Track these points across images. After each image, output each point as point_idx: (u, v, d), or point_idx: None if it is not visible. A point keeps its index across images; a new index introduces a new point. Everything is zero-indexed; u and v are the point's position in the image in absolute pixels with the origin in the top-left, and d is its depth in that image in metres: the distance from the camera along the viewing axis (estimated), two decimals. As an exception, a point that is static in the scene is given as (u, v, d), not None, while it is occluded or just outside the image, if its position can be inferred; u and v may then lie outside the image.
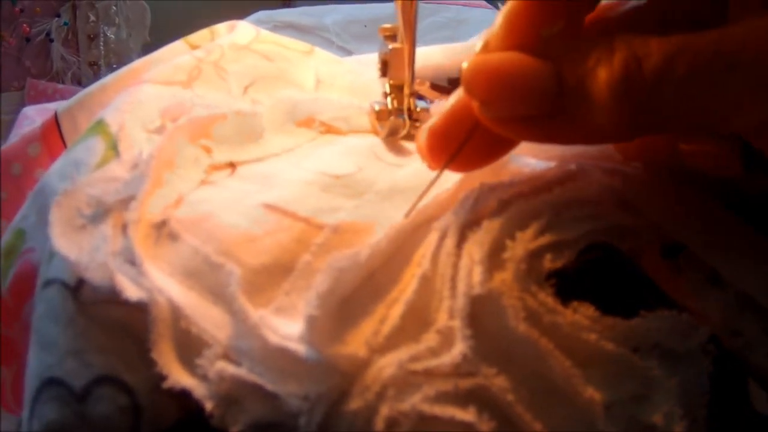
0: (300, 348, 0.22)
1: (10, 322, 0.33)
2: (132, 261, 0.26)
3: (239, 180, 0.31)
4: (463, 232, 0.25)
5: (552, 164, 0.28)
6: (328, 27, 1.03)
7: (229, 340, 0.24)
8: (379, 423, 0.21)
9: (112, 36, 1.43)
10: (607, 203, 0.27)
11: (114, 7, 1.43)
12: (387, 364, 0.22)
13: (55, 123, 0.43)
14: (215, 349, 0.24)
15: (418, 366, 0.22)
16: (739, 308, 0.25)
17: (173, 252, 0.27)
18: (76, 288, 0.26)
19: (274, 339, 0.23)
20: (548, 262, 0.24)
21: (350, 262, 0.23)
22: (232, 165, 0.32)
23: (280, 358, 0.23)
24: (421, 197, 0.27)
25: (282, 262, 0.26)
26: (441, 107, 0.37)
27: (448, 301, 0.23)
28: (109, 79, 0.43)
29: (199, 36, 0.44)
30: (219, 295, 0.25)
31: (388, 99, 0.37)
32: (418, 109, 0.37)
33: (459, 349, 0.22)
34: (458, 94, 0.26)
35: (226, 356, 0.24)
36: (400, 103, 0.37)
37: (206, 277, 0.26)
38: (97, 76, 1.38)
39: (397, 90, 0.37)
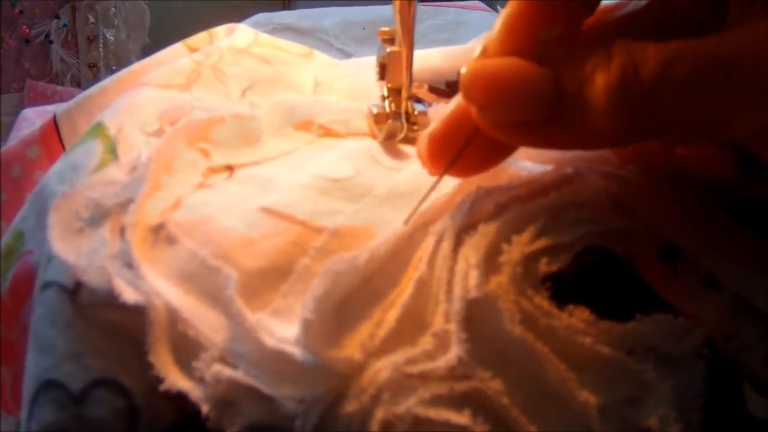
0: (296, 351, 0.22)
1: (9, 324, 0.33)
2: (130, 264, 0.26)
3: (237, 183, 0.31)
4: (459, 236, 0.25)
5: (548, 168, 0.28)
6: (327, 29, 1.03)
7: (225, 343, 0.24)
8: (375, 426, 0.21)
9: (112, 38, 1.44)
10: (604, 206, 0.27)
11: (113, 9, 1.43)
12: (383, 367, 0.22)
13: (53, 125, 0.43)
14: (212, 352, 0.24)
15: (414, 369, 0.22)
16: (734, 311, 0.25)
17: (171, 255, 0.27)
18: (74, 291, 0.27)
19: (270, 342, 0.23)
20: (544, 266, 0.24)
21: (348, 266, 0.23)
22: (230, 168, 0.32)
23: (276, 361, 0.23)
24: (420, 203, 0.27)
25: (279, 265, 0.26)
26: (439, 111, 0.37)
27: (444, 304, 0.23)
28: (108, 81, 0.43)
29: (198, 39, 0.44)
30: (216, 298, 0.25)
31: (386, 102, 0.37)
32: (416, 112, 0.37)
33: (455, 352, 0.22)
34: (458, 99, 0.26)
35: (222, 359, 0.24)
36: (398, 106, 0.37)
37: (203, 280, 0.26)
38: (96, 78, 1.38)
39: (395, 93, 0.37)
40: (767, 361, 0.25)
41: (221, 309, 0.25)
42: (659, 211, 0.27)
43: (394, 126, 0.36)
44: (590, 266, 0.25)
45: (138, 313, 0.25)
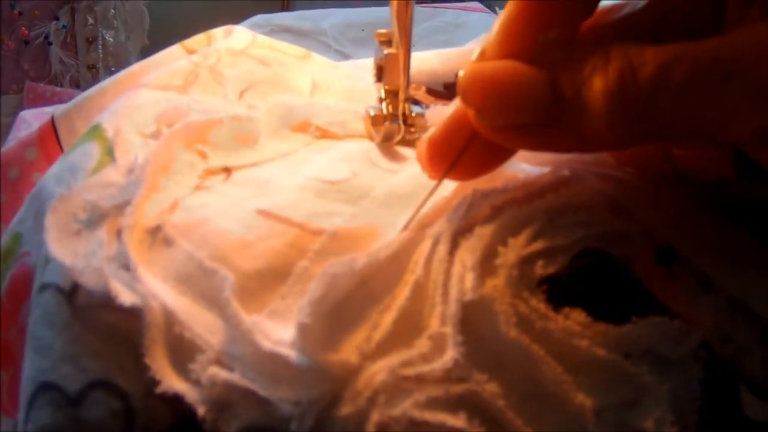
0: (292, 354, 0.22)
1: (7, 326, 0.33)
2: (127, 266, 0.26)
3: (234, 185, 0.31)
4: (455, 239, 0.25)
5: (545, 170, 0.29)
6: (325, 31, 1.03)
7: (221, 346, 0.24)
8: (370, 428, 0.21)
9: (111, 39, 1.44)
10: (600, 209, 0.27)
11: (112, 10, 1.44)
12: (378, 370, 0.22)
13: (51, 127, 0.43)
14: (208, 354, 0.24)
15: (410, 372, 0.22)
16: (730, 314, 0.25)
17: (167, 257, 0.27)
18: (71, 293, 0.27)
19: (266, 344, 0.23)
20: (540, 268, 0.24)
21: (345, 269, 0.23)
22: (227, 170, 0.32)
23: (272, 363, 0.23)
24: (420, 208, 0.27)
25: (276, 268, 0.26)
26: (437, 113, 0.37)
27: (440, 307, 0.23)
28: (107, 82, 0.43)
29: (196, 40, 0.44)
30: (212, 300, 0.25)
31: (383, 104, 0.37)
32: (413, 114, 0.37)
33: (450, 354, 0.22)
34: (457, 103, 0.26)
35: (218, 361, 0.24)
36: (395, 108, 0.37)
37: (200, 282, 0.26)
38: (95, 79, 1.38)
39: (392, 95, 0.37)
40: (764, 364, 0.25)
41: (218, 311, 0.25)
42: (656, 212, 0.27)
43: (392, 128, 0.36)
44: (587, 269, 0.25)
45: (135, 315, 0.25)
